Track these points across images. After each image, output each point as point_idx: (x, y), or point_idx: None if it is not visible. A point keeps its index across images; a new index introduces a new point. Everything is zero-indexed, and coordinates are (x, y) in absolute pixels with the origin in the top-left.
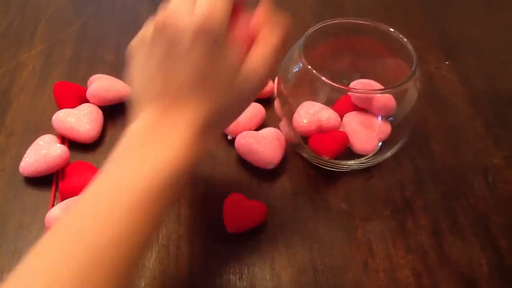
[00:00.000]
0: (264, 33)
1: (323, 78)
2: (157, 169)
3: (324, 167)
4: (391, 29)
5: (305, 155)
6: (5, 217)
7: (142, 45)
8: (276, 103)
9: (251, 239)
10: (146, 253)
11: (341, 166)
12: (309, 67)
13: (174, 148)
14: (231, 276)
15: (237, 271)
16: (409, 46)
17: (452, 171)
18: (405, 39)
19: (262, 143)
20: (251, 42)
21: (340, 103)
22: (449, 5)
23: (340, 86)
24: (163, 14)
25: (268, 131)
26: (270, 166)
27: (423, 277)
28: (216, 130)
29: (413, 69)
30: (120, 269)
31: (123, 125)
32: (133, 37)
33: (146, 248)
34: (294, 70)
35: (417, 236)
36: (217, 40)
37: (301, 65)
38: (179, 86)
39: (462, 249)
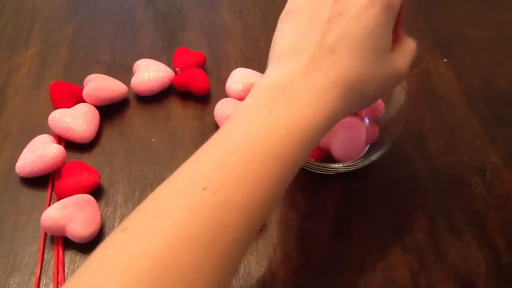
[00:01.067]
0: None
1: None
2: (292, 125)
3: (312, 170)
4: None
5: None
6: (0, 218)
7: (305, 6)
8: None
9: None
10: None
11: (328, 169)
12: None
13: (314, 106)
14: None
15: None
16: None
17: (449, 169)
18: None
19: None
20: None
21: None
22: (444, 4)
23: None
24: None
25: None
26: None
27: (419, 277)
28: (354, 101)
29: None
30: (248, 230)
31: (120, 124)
32: (129, 38)
33: (274, 208)
34: None
35: (413, 235)
36: (390, 10)
37: None
38: (337, 42)
39: (459, 248)
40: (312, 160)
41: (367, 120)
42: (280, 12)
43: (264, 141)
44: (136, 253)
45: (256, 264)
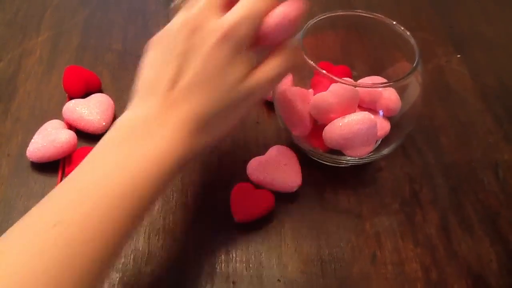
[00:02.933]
0: (276, 53)
1: (324, 71)
2: (145, 163)
3: (324, 162)
4: (394, 23)
5: (305, 149)
6: (11, 202)
7: (163, 39)
8: (277, 101)
9: (258, 229)
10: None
11: (340, 161)
12: (308, 59)
13: (165, 144)
14: (237, 265)
15: (244, 259)
16: (412, 41)
17: (462, 166)
18: (408, 33)
19: (278, 169)
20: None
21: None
22: (457, 1)
23: (337, 79)
24: (195, 10)
25: (277, 151)
26: (295, 188)
27: (431, 271)
28: (208, 133)
29: (414, 64)
30: (101, 263)
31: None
32: (140, 26)
33: (127, 240)
34: None
35: (425, 230)
36: (240, 47)
37: None
38: (189, 80)
39: (471, 245)
40: (324, 152)
41: (381, 113)
42: None
43: (116, 178)
44: None
45: (266, 254)
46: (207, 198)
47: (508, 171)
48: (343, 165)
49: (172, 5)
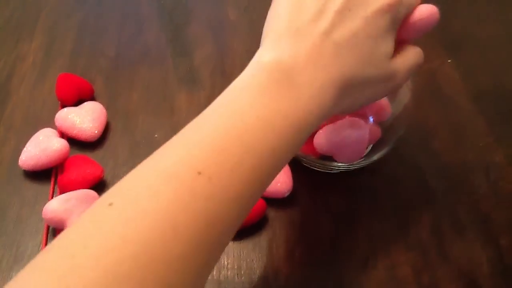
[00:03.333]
0: (411, 47)
1: None
2: (289, 120)
3: (314, 168)
4: None
5: (297, 156)
6: (3, 210)
7: None
8: None
9: (249, 235)
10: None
11: (331, 167)
12: None
13: (312, 102)
14: (229, 272)
15: (236, 266)
16: None
17: (454, 168)
18: None
19: None
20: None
21: None
22: (450, 2)
23: None
24: None
25: None
26: (287, 194)
27: (423, 275)
28: (345, 102)
29: None
30: (235, 225)
31: (124, 119)
32: (133, 31)
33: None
34: None
35: (417, 233)
36: (397, 24)
37: None
38: (345, 37)
39: (463, 247)
40: (315, 158)
41: (371, 119)
42: None
43: (261, 132)
44: (122, 235)
45: (258, 260)
46: None
47: (499, 174)
48: (334, 171)
49: None
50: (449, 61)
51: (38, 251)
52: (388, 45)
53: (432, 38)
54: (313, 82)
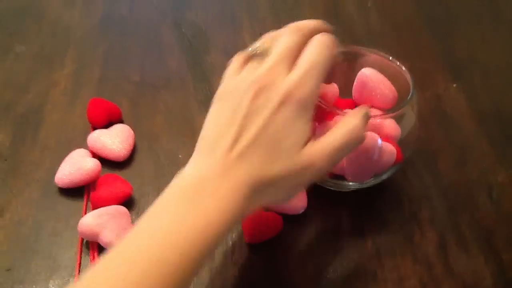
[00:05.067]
0: (339, 125)
1: (325, 103)
2: (199, 226)
3: (326, 187)
4: (390, 58)
5: None
6: (40, 224)
7: (230, 95)
8: None
9: (267, 248)
10: None
11: (342, 185)
12: None
13: (222, 205)
14: (243, 282)
15: (256, 277)
16: (407, 75)
17: (458, 187)
18: (403, 68)
19: None
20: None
21: None
22: (456, 28)
23: (338, 110)
24: (264, 69)
25: None
26: (301, 210)
27: (429, 287)
28: (262, 198)
29: (409, 96)
30: None
31: (150, 140)
32: (156, 58)
33: None
34: None
35: (424, 248)
36: (303, 110)
37: None
38: (248, 141)
39: (467, 262)
40: (328, 177)
41: (379, 141)
42: None
43: (169, 243)
44: None
45: (270, 271)
46: None
47: (502, 193)
48: (345, 190)
49: (249, 50)
50: (454, 85)
51: (73, 263)
52: (298, 134)
53: (438, 63)
54: (216, 193)
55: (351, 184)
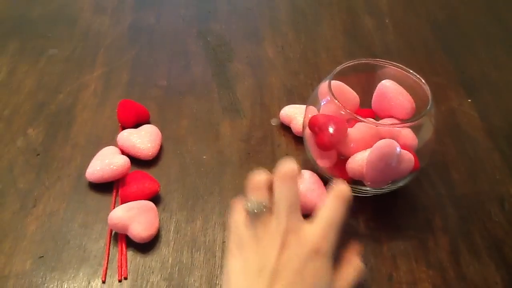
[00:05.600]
0: (350, 261)
1: (348, 110)
2: None
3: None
4: (410, 71)
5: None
6: (72, 216)
7: (248, 248)
8: (306, 133)
9: None
10: None
11: (361, 191)
12: (336, 100)
13: None
14: None
15: None
16: (426, 87)
17: (470, 198)
18: (422, 80)
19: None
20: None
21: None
22: (469, 48)
23: (358, 117)
24: (282, 221)
25: (308, 176)
26: None
27: None
28: None
29: (428, 107)
30: None
31: (176, 142)
32: (182, 65)
33: None
34: (322, 103)
35: (437, 254)
36: (329, 261)
37: (328, 98)
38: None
39: (478, 268)
40: (346, 181)
41: (398, 149)
42: (319, 49)
43: None
44: None
45: None
46: None
47: None
48: (363, 195)
49: (246, 207)
50: (469, 100)
51: (102, 253)
52: (327, 279)
53: (452, 80)
54: None
55: (369, 190)
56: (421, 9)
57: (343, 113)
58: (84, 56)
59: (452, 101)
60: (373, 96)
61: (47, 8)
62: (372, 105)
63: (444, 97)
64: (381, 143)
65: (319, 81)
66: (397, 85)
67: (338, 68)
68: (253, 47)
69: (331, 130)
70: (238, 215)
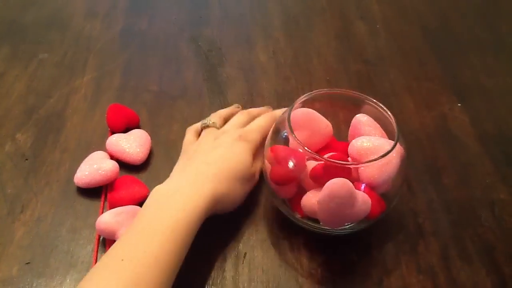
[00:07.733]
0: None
1: (306, 148)
2: (184, 213)
3: (317, 231)
4: (380, 104)
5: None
6: (61, 221)
7: (194, 138)
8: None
9: (278, 253)
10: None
11: (314, 228)
12: (295, 136)
13: (195, 205)
14: (258, 285)
15: (264, 280)
16: (392, 121)
17: (461, 203)
18: (388, 112)
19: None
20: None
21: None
22: (460, 54)
23: (317, 156)
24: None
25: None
26: None
27: None
28: (219, 206)
29: (394, 143)
30: (162, 283)
31: (165, 146)
32: (173, 70)
33: (178, 268)
34: (283, 136)
35: (427, 259)
36: (250, 146)
37: (286, 133)
38: (214, 170)
39: (469, 273)
40: (300, 217)
41: (363, 186)
42: (311, 54)
43: (164, 223)
44: None
45: (283, 275)
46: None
47: (504, 209)
48: (327, 233)
49: (200, 123)
50: (459, 105)
51: (90, 258)
52: (249, 159)
53: (443, 85)
54: (187, 199)
55: (328, 229)
56: (413, 14)
57: (300, 150)
58: (75, 61)
59: (443, 106)
60: (349, 129)
61: (39, 13)
62: (349, 138)
63: (435, 102)
64: (333, 182)
65: (311, 86)
66: (371, 120)
67: (301, 98)
68: (244, 52)
69: (291, 164)
70: (189, 135)
